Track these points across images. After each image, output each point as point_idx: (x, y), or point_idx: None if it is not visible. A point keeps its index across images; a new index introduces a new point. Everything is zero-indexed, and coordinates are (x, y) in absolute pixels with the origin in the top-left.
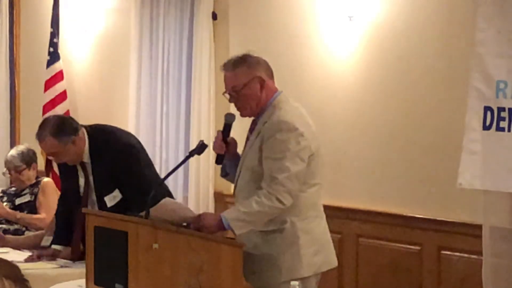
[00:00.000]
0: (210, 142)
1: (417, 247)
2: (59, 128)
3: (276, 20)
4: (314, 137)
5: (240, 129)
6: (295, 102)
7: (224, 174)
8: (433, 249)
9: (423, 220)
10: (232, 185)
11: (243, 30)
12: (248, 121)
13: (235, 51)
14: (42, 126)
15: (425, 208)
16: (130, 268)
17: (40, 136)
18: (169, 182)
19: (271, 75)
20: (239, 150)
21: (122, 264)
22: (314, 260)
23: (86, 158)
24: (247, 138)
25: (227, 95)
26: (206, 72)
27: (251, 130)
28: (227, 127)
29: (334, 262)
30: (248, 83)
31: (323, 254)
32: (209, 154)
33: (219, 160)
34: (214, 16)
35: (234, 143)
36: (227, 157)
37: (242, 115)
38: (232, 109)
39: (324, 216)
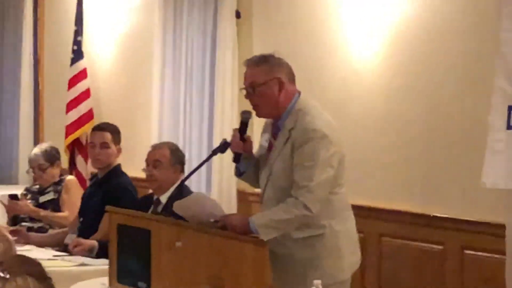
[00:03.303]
0: None
1: (440, 247)
2: (177, 149)
3: (300, 18)
4: (340, 140)
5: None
6: (313, 100)
7: (239, 174)
8: (456, 248)
9: (446, 219)
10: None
11: (266, 28)
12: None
13: (259, 49)
14: (163, 142)
15: (448, 208)
16: (153, 266)
17: (157, 144)
18: (192, 181)
19: (292, 78)
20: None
21: (145, 262)
22: (353, 260)
23: (164, 198)
24: (270, 143)
25: (244, 91)
26: (229, 71)
27: (274, 134)
28: (244, 125)
29: (360, 255)
30: (266, 82)
31: (357, 251)
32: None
33: (236, 158)
34: (238, 15)
35: (250, 141)
36: (243, 155)
37: (258, 115)
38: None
39: (352, 211)
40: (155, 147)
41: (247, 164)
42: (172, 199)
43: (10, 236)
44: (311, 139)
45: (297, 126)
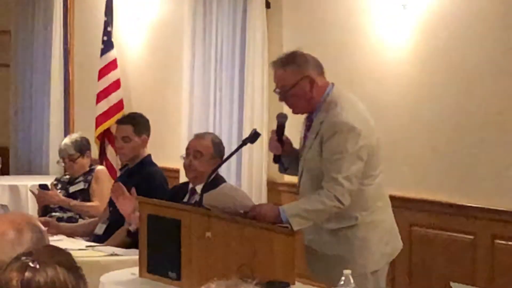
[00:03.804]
0: (263, 130)
1: (471, 236)
2: (220, 142)
3: (329, 8)
4: (373, 132)
5: (293, 123)
6: (349, 93)
7: (283, 170)
8: (486, 238)
9: (477, 209)
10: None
11: (296, 19)
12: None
13: (289, 40)
14: (206, 133)
15: (478, 197)
16: (183, 256)
17: (201, 134)
18: (222, 171)
19: (321, 71)
20: (294, 144)
21: (175, 252)
22: (386, 251)
23: (199, 189)
24: (305, 136)
25: (277, 93)
26: (259, 60)
27: (308, 127)
28: (281, 127)
29: (400, 245)
30: (297, 83)
31: (392, 242)
32: (262, 143)
33: (276, 159)
34: (268, 5)
35: (289, 141)
36: (283, 155)
37: (294, 112)
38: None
39: (389, 202)
40: (199, 137)
41: (287, 160)
42: (205, 190)
43: (42, 227)
44: (339, 132)
45: (326, 119)
